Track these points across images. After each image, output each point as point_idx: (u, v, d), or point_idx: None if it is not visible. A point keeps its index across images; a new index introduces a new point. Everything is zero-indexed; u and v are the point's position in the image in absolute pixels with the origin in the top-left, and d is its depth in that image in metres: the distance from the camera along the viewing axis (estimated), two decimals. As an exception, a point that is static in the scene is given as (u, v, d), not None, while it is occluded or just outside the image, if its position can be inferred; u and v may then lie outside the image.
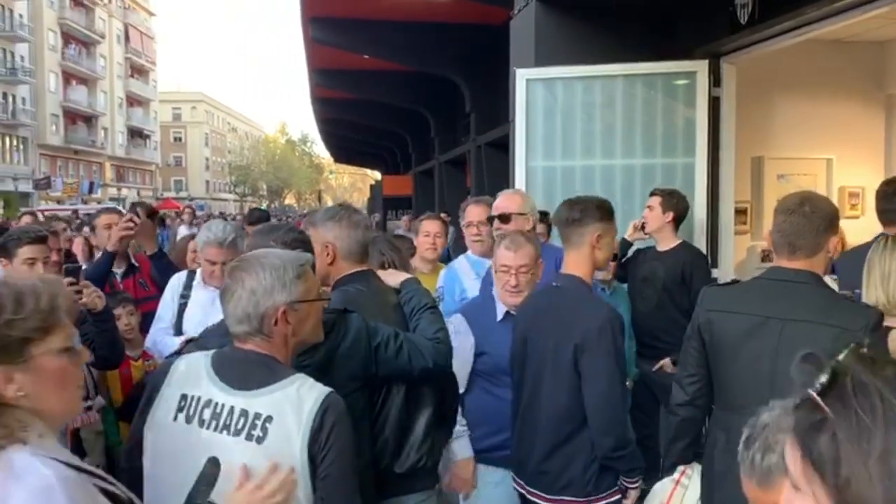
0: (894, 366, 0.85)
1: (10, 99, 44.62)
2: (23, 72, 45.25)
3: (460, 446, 3.13)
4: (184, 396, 1.90)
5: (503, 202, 3.97)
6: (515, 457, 3.00)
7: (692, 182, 5.31)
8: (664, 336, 4.27)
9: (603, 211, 2.92)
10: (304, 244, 2.49)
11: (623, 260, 4.63)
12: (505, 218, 3.87)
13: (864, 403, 0.82)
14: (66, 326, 1.48)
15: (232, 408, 1.85)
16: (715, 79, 5.42)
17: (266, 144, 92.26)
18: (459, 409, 3.17)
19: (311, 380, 1.90)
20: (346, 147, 36.82)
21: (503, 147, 10.65)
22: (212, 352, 2.00)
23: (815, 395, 0.85)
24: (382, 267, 3.16)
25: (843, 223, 6.41)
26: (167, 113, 76.94)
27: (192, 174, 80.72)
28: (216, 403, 1.86)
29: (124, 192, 58.63)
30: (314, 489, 1.82)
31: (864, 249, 3.06)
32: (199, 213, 25.07)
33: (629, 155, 5.51)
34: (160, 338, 3.89)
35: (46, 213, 20.06)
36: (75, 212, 21.01)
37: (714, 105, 5.41)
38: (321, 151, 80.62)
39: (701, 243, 5.20)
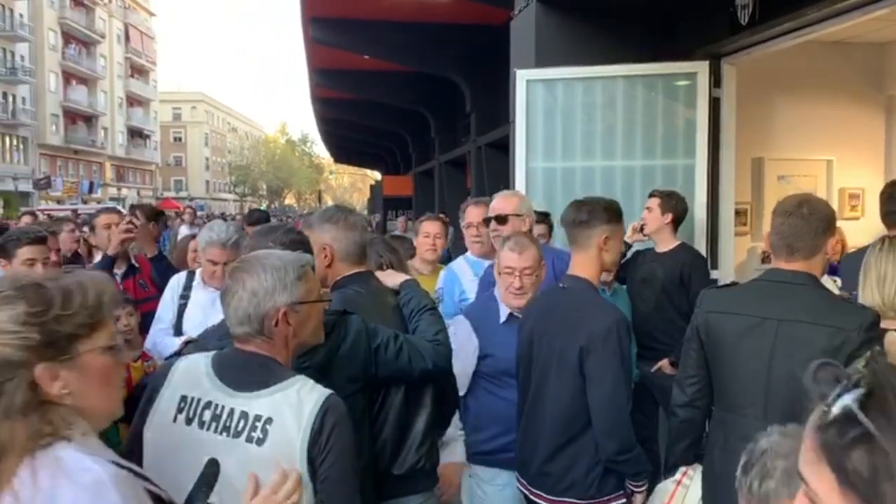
0: None
1: (10, 99, 44.64)
2: (23, 71, 45.28)
3: (453, 451, 3.11)
4: (183, 398, 1.89)
5: (500, 204, 3.97)
6: (519, 457, 3.01)
7: (692, 183, 5.31)
8: (663, 337, 4.27)
9: (611, 212, 2.92)
10: (303, 245, 2.48)
11: (622, 261, 4.63)
12: (501, 219, 3.87)
13: None
14: (110, 324, 1.47)
15: (232, 409, 1.85)
16: (715, 80, 5.41)
17: (266, 144, 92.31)
18: (457, 413, 3.17)
19: (311, 381, 1.89)
20: (346, 147, 36.82)
21: (503, 148, 10.65)
22: (212, 353, 1.99)
23: (856, 409, 0.81)
24: (380, 268, 3.16)
25: (843, 224, 6.49)
26: (167, 113, 76.97)
27: (192, 174, 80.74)
28: (216, 405, 1.86)
29: (124, 191, 58.66)
30: (315, 491, 1.82)
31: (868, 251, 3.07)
32: (199, 213, 25.06)
33: (629, 156, 5.51)
34: (160, 339, 3.88)
35: (53, 212, 20.06)
36: (74, 211, 20.99)
37: (714, 106, 5.41)
38: (321, 151, 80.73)
39: (701, 244, 5.20)
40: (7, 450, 1.30)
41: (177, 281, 4.01)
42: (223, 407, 1.86)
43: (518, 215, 3.88)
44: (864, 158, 6.93)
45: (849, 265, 3.67)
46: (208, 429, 1.85)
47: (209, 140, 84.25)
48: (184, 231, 10.99)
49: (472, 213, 4.26)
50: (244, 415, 1.83)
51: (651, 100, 5.53)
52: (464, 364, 3.13)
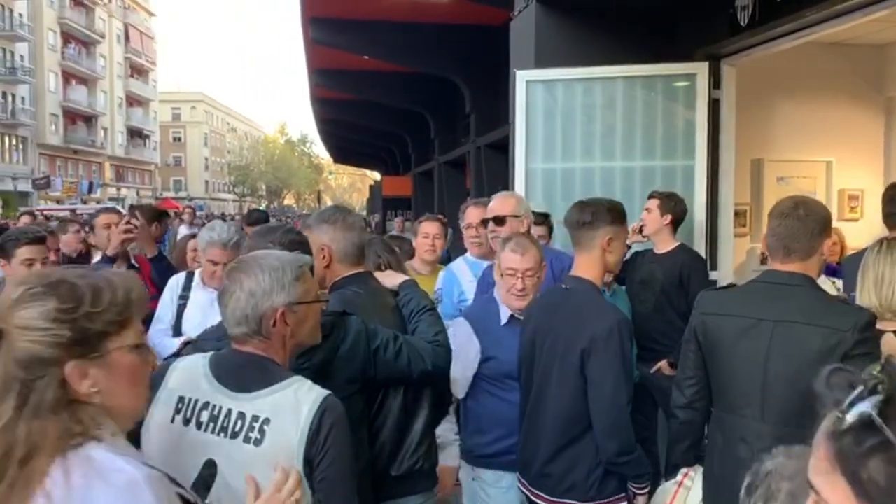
0: None
1: (10, 98, 44.62)
2: (22, 71, 45.26)
3: (448, 454, 3.11)
4: (181, 399, 1.89)
5: (497, 205, 3.96)
6: (520, 458, 3.00)
7: (692, 184, 5.31)
8: (661, 338, 4.27)
9: (614, 214, 2.91)
10: (303, 245, 2.48)
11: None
12: (499, 220, 3.87)
13: None
14: (138, 323, 1.46)
15: (230, 410, 1.85)
16: (715, 81, 5.41)
17: (265, 144, 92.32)
18: (454, 416, 3.16)
19: (308, 382, 1.89)
20: (345, 147, 36.82)
21: (503, 148, 10.64)
22: (209, 354, 1.99)
23: (875, 416, 0.78)
24: (379, 269, 3.15)
25: (842, 226, 6.49)
26: (167, 113, 76.96)
27: (192, 174, 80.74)
28: (214, 406, 1.86)
29: (123, 191, 58.65)
30: (312, 491, 1.81)
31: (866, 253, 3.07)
32: (198, 213, 25.06)
33: (629, 157, 5.51)
34: (159, 339, 3.87)
35: (51, 212, 20.02)
36: (73, 211, 20.98)
37: (714, 107, 5.41)
38: (321, 152, 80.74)
39: (700, 245, 5.20)
40: (38, 449, 1.28)
41: (176, 281, 4.00)
42: (221, 408, 1.85)
43: (516, 216, 3.88)
44: (864, 160, 6.93)
45: (850, 266, 3.67)
46: (206, 430, 1.85)
47: (208, 140, 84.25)
48: (183, 231, 10.97)
49: (471, 214, 4.26)
50: (242, 415, 1.83)
51: (651, 101, 5.53)
52: (464, 367, 3.12)
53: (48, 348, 1.30)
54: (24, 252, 3.40)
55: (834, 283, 4.62)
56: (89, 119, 54.86)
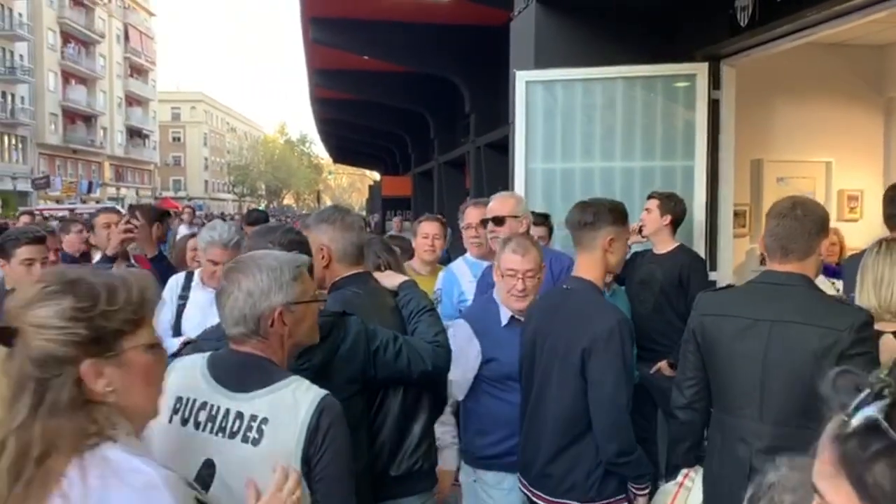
0: None
1: (9, 98, 44.61)
2: (22, 71, 45.25)
3: (446, 457, 3.09)
4: (179, 399, 1.89)
5: (497, 205, 3.96)
6: (521, 458, 3.00)
7: (691, 185, 5.31)
8: (661, 339, 4.26)
9: (616, 214, 2.91)
10: (302, 245, 2.47)
11: (620, 262, 4.63)
12: (499, 221, 3.87)
13: None
14: (152, 322, 1.45)
15: (227, 410, 1.85)
16: (715, 81, 5.41)
17: (265, 144, 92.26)
18: (453, 418, 3.15)
19: (306, 382, 1.89)
20: (345, 147, 36.81)
21: (502, 148, 10.63)
22: (207, 354, 1.99)
23: (881, 420, 0.76)
24: (378, 269, 3.15)
25: (842, 226, 6.48)
26: (166, 113, 76.94)
27: (191, 174, 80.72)
28: (212, 406, 1.86)
29: (123, 191, 58.65)
30: (311, 491, 1.81)
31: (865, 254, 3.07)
32: (197, 212, 25.04)
33: (629, 157, 5.51)
34: (158, 339, 3.86)
35: (49, 212, 19.99)
36: (71, 211, 20.96)
37: (714, 108, 5.41)
38: (320, 152, 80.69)
39: (700, 246, 5.20)
40: (55, 448, 1.27)
41: (175, 281, 4.00)
42: (219, 408, 1.85)
43: (515, 217, 3.87)
44: (863, 160, 6.94)
45: (851, 267, 3.68)
46: (204, 429, 1.85)
47: (208, 140, 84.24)
48: (182, 231, 10.97)
49: (471, 214, 4.26)
50: (240, 415, 1.83)
51: (650, 101, 5.53)
52: (464, 369, 3.10)
53: (64, 347, 1.29)
54: (23, 252, 3.40)
55: (833, 283, 4.62)
56: (89, 119, 54.84)
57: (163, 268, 4.70)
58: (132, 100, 63.95)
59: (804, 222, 2.48)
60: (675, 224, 4.49)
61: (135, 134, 64.62)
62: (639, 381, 4.42)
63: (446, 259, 5.37)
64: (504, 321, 3.18)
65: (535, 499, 2.91)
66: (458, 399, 3.22)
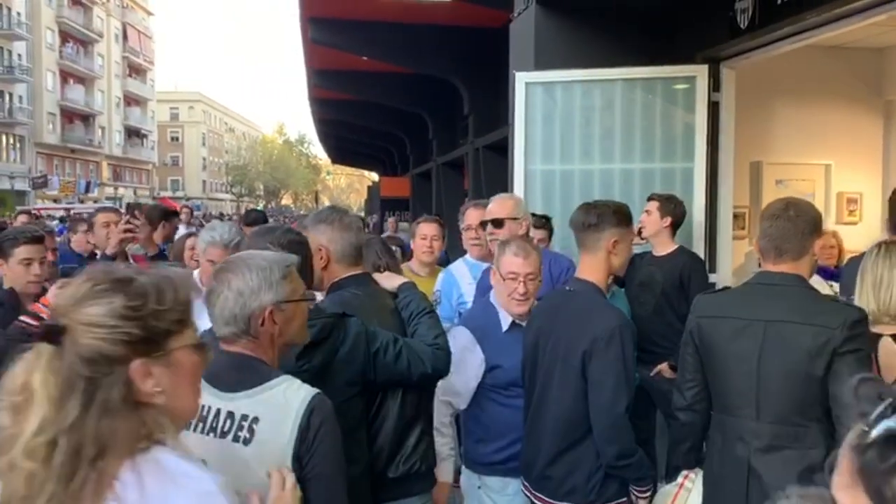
0: None
1: (7, 97, 44.58)
2: (20, 70, 45.21)
3: (443, 469, 3.04)
4: None
5: (496, 207, 3.94)
6: (523, 460, 2.99)
7: (691, 186, 5.31)
8: (662, 341, 4.25)
9: (620, 216, 2.90)
10: (302, 246, 2.46)
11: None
12: (498, 223, 3.85)
13: None
14: (195, 322, 1.44)
15: (218, 410, 1.85)
16: (714, 83, 5.41)
17: (263, 145, 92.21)
18: (452, 429, 3.11)
19: (297, 381, 1.90)
20: (343, 148, 36.77)
21: (501, 150, 10.62)
22: None
23: None
24: (378, 270, 3.14)
25: (841, 229, 6.48)
26: (164, 112, 76.87)
27: (189, 174, 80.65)
28: (203, 406, 1.85)
29: (121, 191, 58.61)
30: (302, 490, 1.81)
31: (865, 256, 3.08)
32: (195, 212, 25.01)
33: (628, 159, 5.50)
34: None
35: (57, 212, 19.92)
36: (68, 210, 20.92)
37: (713, 110, 5.41)
38: (319, 152, 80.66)
39: (699, 248, 5.19)
40: (108, 449, 1.25)
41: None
42: (209, 408, 1.85)
43: (514, 219, 3.85)
44: (863, 163, 6.94)
45: (850, 270, 3.68)
46: (195, 429, 1.84)
47: (206, 140, 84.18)
48: (180, 230, 10.95)
49: (471, 216, 4.25)
50: (230, 415, 1.84)
51: (650, 103, 5.53)
52: (467, 378, 3.06)
53: (114, 345, 1.27)
54: (22, 251, 3.39)
55: (832, 286, 4.62)
56: (87, 118, 54.80)
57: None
58: (130, 99, 63.91)
59: (797, 223, 2.52)
60: (675, 226, 4.49)
61: (133, 134, 64.57)
62: (638, 384, 4.42)
63: (445, 260, 5.36)
64: (505, 326, 3.14)
65: (536, 501, 2.90)
66: (461, 408, 3.16)
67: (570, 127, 5.59)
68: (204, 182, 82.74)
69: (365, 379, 2.40)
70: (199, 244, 3.80)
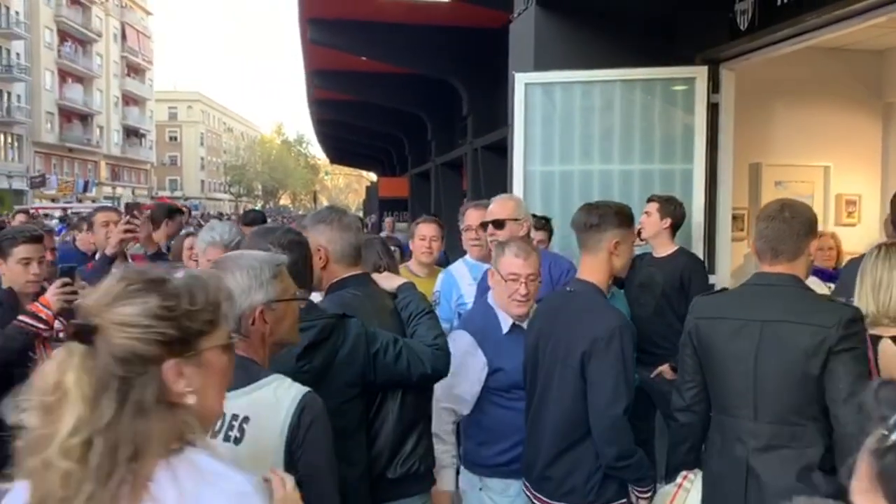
0: None
1: (6, 96, 44.53)
2: (18, 69, 45.16)
3: (444, 477, 3.02)
4: None
5: (497, 208, 3.93)
6: (524, 460, 2.98)
7: (690, 188, 5.30)
8: (662, 342, 4.24)
9: (622, 217, 2.90)
10: (302, 246, 2.46)
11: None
12: (499, 224, 3.84)
13: None
14: (225, 323, 1.43)
15: None
16: (714, 85, 5.40)
17: (262, 145, 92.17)
18: (454, 437, 3.10)
19: (288, 380, 1.90)
20: (342, 148, 36.76)
21: (500, 150, 10.62)
22: None
23: None
24: (378, 270, 3.14)
25: (839, 231, 6.48)
26: (163, 112, 76.81)
27: (188, 174, 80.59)
28: None
29: (119, 190, 58.54)
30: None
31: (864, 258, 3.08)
32: (194, 212, 25.00)
33: (627, 160, 5.50)
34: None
35: (56, 211, 19.88)
36: (65, 210, 20.89)
37: (713, 111, 5.40)
38: (317, 152, 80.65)
39: (698, 249, 5.19)
40: (144, 450, 1.24)
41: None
42: None
43: (515, 220, 3.85)
44: (862, 165, 6.95)
45: (850, 272, 3.69)
46: None
47: (205, 140, 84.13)
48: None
49: (471, 216, 4.24)
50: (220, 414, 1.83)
51: (649, 104, 5.52)
52: (470, 383, 3.03)
53: (148, 345, 1.27)
54: (20, 251, 3.38)
55: (830, 288, 4.62)
56: (85, 118, 54.76)
57: (163, 265, 4.68)
58: (129, 99, 63.87)
59: (792, 224, 2.54)
60: (675, 227, 4.49)
61: (131, 133, 64.52)
62: (637, 385, 4.42)
63: (444, 261, 5.36)
64: (505, 329, 3.12)
65: (535, 501, 2.90)
66: (464, 414, 3.13)
67: (570, 128, 5.59)
68: (202, 182, 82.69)
69: (365, 380, 2.39)
70: (198, 244, 3.78)
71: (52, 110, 49.85)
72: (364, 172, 61.48)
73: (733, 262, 6.06)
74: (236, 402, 1.83)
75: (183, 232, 7.54)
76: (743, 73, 5.63)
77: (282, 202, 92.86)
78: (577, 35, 5.89)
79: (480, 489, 3.15)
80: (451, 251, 6.54)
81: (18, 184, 43.50)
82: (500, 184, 6.70)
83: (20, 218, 10.02)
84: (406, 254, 5.43)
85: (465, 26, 13.18)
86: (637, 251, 4.65)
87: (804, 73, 6.43)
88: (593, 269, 2.88)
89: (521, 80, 5.61)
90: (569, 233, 4.55)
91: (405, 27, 13.59)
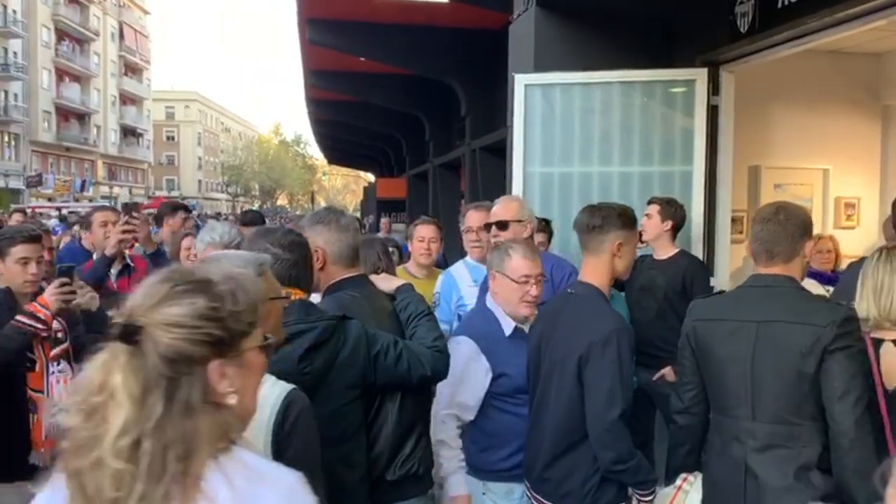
0: None
1: (3, 95, 44.48)
2: (16, 68, 45.11)
3: (456, 482, 2.99)
4: None
5: (500, 209, 3.92)
6: (524, 461, 2.97)
7: (689, 190, 5.30)
8: (664, 345, 4.19)
9: (625, 218, 2.88)
10: (302, 246, 2.44)
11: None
12: (502, 225, 3.82)
13: None
14: (262, 323, 1.44)
15: None
16: (714, 87, 5.41)
17: (259, 145, 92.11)
18: (460, 441, 3.08)
19: (273, 377, 1.89)
20: (339, 148, 36.76)
21: (498, 151, 10.62)
22: None
23: None
24: (377, 271, 3.12)
25: (838, 234, 6.48)
26: (160, 112, 76.75)
27: (185, 173, 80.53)
28: None
29: (116, 190, 58.48)
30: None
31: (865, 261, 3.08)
32: (192, 212, 24.96)
33: (627, 162, 5.50)
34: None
35: (52, 210, 19.84)
36: (59, 210, 20.86)
37: (712, 113, 5.41)
38: (315, 153, 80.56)
39: (698, 251, 5.19)
40: (193, 449, 1.24)
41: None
42: None
43: (519, 221, 3.83)
44: (860, 168, 6.96)
45: (850, 275, 3.69)
46: None
47: (202, 139, 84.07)
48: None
49: (472, 218, 4.23)
50: None
51: (649, 106, 5.52)
52: (474, 389, 3.00)
53: (195, 346, 1.27)
54: (19, 251, 3.36)
55: (828, 290, 4.62)
56: (82, 117, 54.69)
57: (161, 264, 4.66)
58: (126, 98, 63.82)
59: (787, 226, 2.57)
60: (676, 229, 4.48)
61: (128, 132, 64.46)
62: (637, 387, 4.41)
63: (442, 262, 5.35)
64: (508, 332, 3.09)
65: (535, 502, 2.89)
66: (468, 420, 3.10)
67: (569, 129, 5.58)
68: (199, 182, 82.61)
69: (365, 382, 2.38)
70: (198, 244, 3.77)
71: (49, 109, 49.78)
72: (362, 173, 61.51)
73: (732, 265, 6.06)
74: None
75: (182, 232, 7.55)
76: (743, 75, 5.63)
77: (279, 202, 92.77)
78: (577, 36, 5.89)
79: (484, 493, 3.12)
80: (448, 253, 6.53)
81: (15, 183, 43.44)
82: (499, 185, 6.70)
83: (17, 217, 9.99)
84: (405, 255, 5.42)
85: (465, 27, 13.20)
86: (637, 253, 4.66)
87: (804, 75, 6.44)
88: (595, 271, 2.87)
89: (521, 82, 5.60)
90: (568, 234, 4.56)
91: (404, 28, 13.60)
